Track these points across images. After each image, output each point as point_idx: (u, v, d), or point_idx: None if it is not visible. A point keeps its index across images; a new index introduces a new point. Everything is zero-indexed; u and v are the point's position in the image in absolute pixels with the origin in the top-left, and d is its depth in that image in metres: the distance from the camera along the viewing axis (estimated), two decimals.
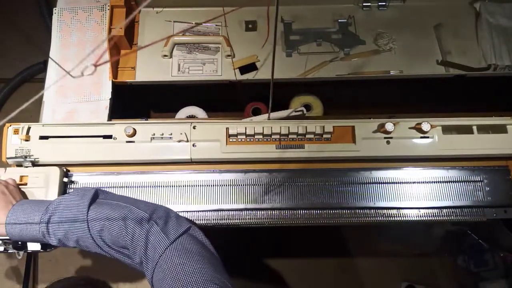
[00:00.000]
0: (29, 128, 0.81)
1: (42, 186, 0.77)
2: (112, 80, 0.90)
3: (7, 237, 0.67)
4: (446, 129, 0.82)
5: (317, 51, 0.96)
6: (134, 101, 1.05)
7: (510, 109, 0.88)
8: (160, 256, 0.58)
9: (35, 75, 1.62)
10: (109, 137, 0.81)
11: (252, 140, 0.82)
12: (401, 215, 0.81)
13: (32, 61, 1.59)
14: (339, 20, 0.98)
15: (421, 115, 0.85)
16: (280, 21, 0.98)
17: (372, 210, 0.81)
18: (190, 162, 0.82)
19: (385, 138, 0.81)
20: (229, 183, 0.81)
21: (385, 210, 0.81)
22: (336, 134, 0.81)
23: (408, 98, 1.09)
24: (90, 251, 0.65)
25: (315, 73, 0.94)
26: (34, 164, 0.80)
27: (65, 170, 0.80)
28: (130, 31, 0.96)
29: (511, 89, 0.98)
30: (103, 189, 0.71)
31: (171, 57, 0.95)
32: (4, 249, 0.74)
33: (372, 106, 1.13)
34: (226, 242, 1.38)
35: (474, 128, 0.82)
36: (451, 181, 0.82)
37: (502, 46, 0.95)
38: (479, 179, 0.82)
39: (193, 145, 0.81)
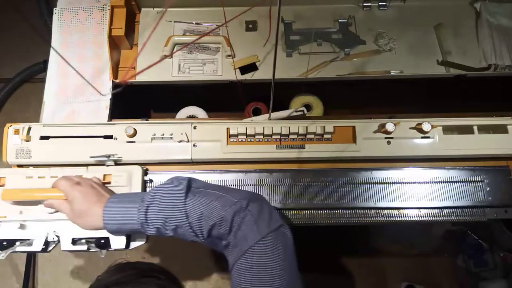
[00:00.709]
0: (29, 129, 0.81)
1: (125, 184, 0.77)
2: (112, 80, 0.90)
3: (86, 231, 0.70)
4: (447, 129, 0.82)
5: (318, 51, 0.96)
6: (135, 101, 1.05)
7: (511, 109, 0.88)
8: (248, 249, 0.58)
9: (35, 75, 1.62)
10: (110, 137, 0.81)
11: (252, 140, 0.82)
12: (402, 215, 0.81)
13: (32, 61, 1.59)
14: (340, 20, 0.98)
15: (422, 115, 0.85)
16: (281, 21, 0.98)
17: (372, 210, 0.81)
18: (191, 162, 0.82)
19: (385, 138, 0.81)
20: (229, 183, 0.81)
21: (385, 210, 0.81)
22: (336, 134, 0.81)
23: (408, 98, 1.09)
24: (185, 239, 0.65)
25: (316, 73, 0.94)
26: (116, 163, 0.80)
27: (144, 168, 0.81)
28: (131, 31, 0.96)
29: None
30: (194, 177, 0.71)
31: (171, 57, 0.95)
32: (88, 248, 0.75)
33: (373, 106, 1.13)
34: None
35: (475, 128, 0.82)
36: (452, 181, 0.82)
37: (502, 46, 0.95)
38: (479, 179, 0.82)
39: (194, 145, 0.81)
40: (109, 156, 0.79)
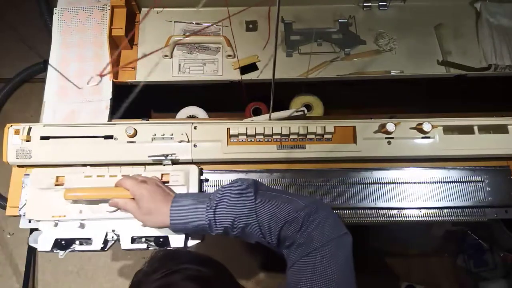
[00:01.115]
0: (29, 129, 0.81)
1: (183, 183, 0.77)
2: (112, 80, 0.90)
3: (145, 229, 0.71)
4: (447, 129, 0.82)
5: (318, 51, 0.96)
6: (135, 101, 1.05)
7: (511, 109, 0.88)
8: (313, 250, 0.59)
9: (35, 75, 1.62)
10: (110, 137, 0.81)
11: (253, 140, 0.82)
12: (402, 215, 0.81)
13: (32, 61, 1.59)
14: (340, 20, 0.99)
15: (422, 115, 0.85)
16: (281, 21, 0.98)
17: (372, 210, 0.81)
18: (191, 162, 0.82)
19: (386, 138, 0.81)
20: None
21: (385, 210, 0.81)
22: (337, 134, 0.81)
23: (408, 98, 1.09)
24: (249, 240, 0.66)
25: (316, 73, 0.94)
26: (173, 162, 0.80)
27: (200, 168, 0.81)
28: (131, 31, 0.96)
29: None
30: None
31: (171, 57, 0.95)
32: (147, 246, 0.75)
33: (373, 106, 1.13)
34: (226, 242, 1.38)
35: (475, 128, 0.82)
36: (452, 181, 0.82)
37: (502, 46, 0.95)
38: (480, 179, 0.82)
39: (194, 145, 0.81)
40: (167, 155, 0.79)
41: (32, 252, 1.44)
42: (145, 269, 0.56)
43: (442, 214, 0.81)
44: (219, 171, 0.83)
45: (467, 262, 1.44)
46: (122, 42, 0.93)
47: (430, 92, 1.09)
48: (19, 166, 0.83)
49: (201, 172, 0.81)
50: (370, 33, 0.98)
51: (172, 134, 0.81)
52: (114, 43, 0.92)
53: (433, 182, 0.82)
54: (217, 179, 0.82)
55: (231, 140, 0.82)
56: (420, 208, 0.81)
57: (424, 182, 0.82)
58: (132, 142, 0.81)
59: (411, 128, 0.82)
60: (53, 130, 0.81)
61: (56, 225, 0.75)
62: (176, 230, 0.69)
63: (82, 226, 0.75)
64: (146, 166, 0.80)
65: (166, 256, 0.59)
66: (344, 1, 1.00)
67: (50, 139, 0.81)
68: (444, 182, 0.82)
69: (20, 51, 1.66)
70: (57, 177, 0.77)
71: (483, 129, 0.82)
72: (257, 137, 0.81)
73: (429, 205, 0.81)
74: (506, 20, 0.97)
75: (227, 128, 0.81)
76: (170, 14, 1.00)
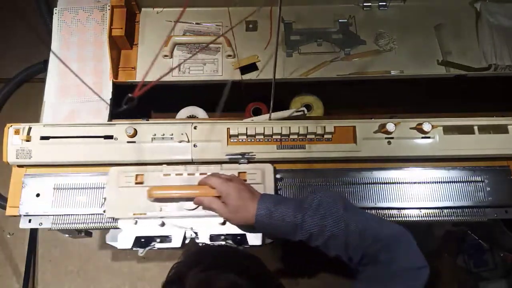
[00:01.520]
0: (29, 129, 0.81)
1: (260, 182, 0.78)
2: (112, 80, 0.90)
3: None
4: (447, 129, 0.82)
5: (318, 51, 0.96)
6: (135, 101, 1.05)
7: (511, 109, 0.88)
8: (389, 275, 0.60)
9: (35, 75, 1.62)
10: (110, 137, 0.81)
11: (253, 140, 0.82)
12: (402, 215, 0.81)
13: (32, 61, 1.59)
14: (340, 20, 0.99)
15: (422, 115, 0.85)
16: (281, 21, 0.98)
17: (372, 210, 0.81)
18: (191, 162, 0.82)
19: (386, 138, 0.81)
20: None
21: (386, 210, 0.81)
22: (337, 134, 0.81)
23: (409, 98, 1.09)
24: (328, 251, 0.66)
25: (316, 73, 0.94)
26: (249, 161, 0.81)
27: (274, 166, 0.81)
28: (131, 31, 0.96)
29: None
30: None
31: (171, 57, 0.95)
32: (225, 243, 0.76)
33: (373, 106, 1.13)
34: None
35: (475, 128, 0.82)
36: (452, 182, 0.82)
37: (502, 46, 0.95)
38: (480, 179, 0.82)
39: (194, 145, 0.81)
40: (244, 154, 0.79)
41: (32, 252, 1.44)
42: (185, 261, 0.57)
43: (442, 214, 0.81)
44: None
45: (467, 262, 1.44)
46: (122, 42, 0.93)
47: (430, 92, 1.08)
48: (19, 166, 0.83)
49: (275, 171, 0.81)
50: (370, 33, 0.98)
51: (172, 134, 0.81)
52: (114, 43, 0.92)
53: (433, 182, 0.82)
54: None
55: (231, 140, 0.82)
56: (420, 208, 0.81)
57: (424, 182, 0.82)
58: (132, 142, 0.81)
59: (411, 128, 0.82)
60: (53, 130, 0.81)
61: (136, 223, 0.77)
62: (260, 228, 0.69)
63: (161, 224, 0.76)
64: (223, 165, 0.80)
65: (204, 251, 0.59)
66: (344, 1, 1.00)
67: (50, 139, 0.81)
68: (444, 182, 0.82)
69: (20, 51, 1.66)
70: (137, 175, 0.78)
71: (483, 129, 0.82)
72: (257, 137, 0.81)
73: (429, 205, 0.81)
74: (506, 20, 0.97)
75: (227, 128, 0.81)
76: (170, 14, 1.00)
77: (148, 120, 0.85)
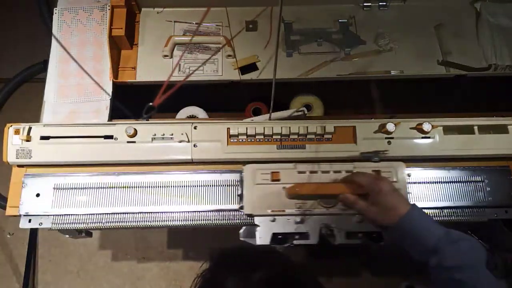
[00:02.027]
0: (30, 129, 0.81)
1: (395, 180, 0.78)
2: (112, 80, 0.90)
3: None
4: (447, 129, 0.82)
5: (318, 51, 0.96)
6: (135, 101, 1.05)
7: (511, 109, 0.88)
8: None
9: (35, 75, 1.62)
10: (110, 137, 0.81)
11: (253, 140, 0.82)
12: None
13: (32, 61, 1.59)
14: (340, 20, 0.98)
15: (422, 115, 0.85)
16: (281, 21, 0.98)
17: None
18: (191, 162, 0.82)
19: (386, 138, 0.81)
20: (230, 183, 0.81)
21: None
22: (337, 134, 0.81)
23: (409, 98, 1.09)
24: (421, 258, 0.67)
25: (316, 73, 0.94)
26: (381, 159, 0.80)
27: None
28: (131, 31, 0.96)
29: None
30: None
31: (171, 57, 0.95)
32: (360, 242, 0.77)
33: (373, 106, 1.13)
34: (225, 242, 1.38)
35: (475, 128, 0.82)
36: (452, 181, 0.82)
37: (502, 46, 0.95)
38: (480, 179, 0.82)
39: (194, 145, 0.81)
40: (377, 152, 0.79)
41: (32, 252, 1.44)
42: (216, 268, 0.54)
43: (442, 214, 0.81)
44: (218, 171, 0.83)
45: None
46: (122, 42, 0.93)
47: (430, 92, 1.08)
48: (19, 166, 0.83)
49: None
50: (370, 33, 0.98)
51: (172, 134, 0.81)
52: (114, 43, 0.92)
53: (433, 182, 0.82)
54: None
55: (231, 140, 0.82)
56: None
57: (424, 182, 0.82)
58: (132, 142, 0.81)
59: (411, 128, 0.82)
60: (53, 130, 0.81)
61: (273, 220, 0.77)
62: (399, 231, 0.68)
63: (298, 221, 0.77)
64: (355, 163, 0.80)
65: (234, 255, 0.56)
66: (344, 1, 1.00)
67: (50, 139, 0.81)
68: (444, 182, 0.82)
69: (20, 51, 1.66)
70: (272, 172, 0.79)
71: (483, 129, 0.82)
72: (257, 137, 0.81)
73: (429, 205, 0.81)
74: (506, 20, 0.97)
75: (227, 128, 0.81)
76: (170, 14, 1.00)
77: (148, 120, 0.85)
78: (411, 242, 0.67)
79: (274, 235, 0.77)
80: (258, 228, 0.78)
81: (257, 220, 0.78)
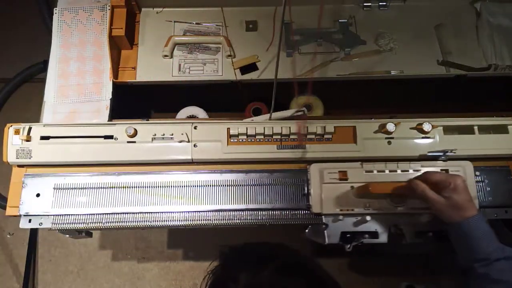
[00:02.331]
0: (30, 129, 0.81)
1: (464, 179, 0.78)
2: (112, 80, 0.90)
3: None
4: (447, 129, 0.82)
5: (318, 51, 0.96)
6: (135, 101, 1.05)
7: (511, 109, 0.88)
8: None
9: (35, 75, 1.62)
10: (110, 137, 0.81)
11: (253, 140, 0.82)
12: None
13: (32, 61, 1.59)
14: (340, 20, 0.98)
15: (422, 115, 0.85)
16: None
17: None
18: (191, 162, 0.82)
19: (386, 138, 0.81)
20: (230, 184, 0.81)
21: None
22: (337, 134, 0.81)
23: (409, 98, 1.09)
24: (465, 262, 0.69)
25: (316, 73, 0.94)
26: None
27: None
28: (131, 31, 0.96)
29: None
30: None
31: (171, 57, 0.95)
32: (426, 240, 0.78)
33: (373, 106, 1.13)
34: (224, 242, 1.38)
35: (475, 128, 0.82)
36: None
37: (502, 46, 0.95)
38: (480, 179, 0.82)
39: (194, 145, 0.81)
40: (445, 151, 0.79)
41: (32, 252, 1.44)
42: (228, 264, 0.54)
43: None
44: (218, 171, 0.83)
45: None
46: (122, 42, 0.93)
47: (430, 92, 1.08)
48: (19, 166, 0.83)
49: None
50: (370, 33, 0.98)
51: (172, 134, 0.81)
52: (114, 43, 0.92)
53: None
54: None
55: (231, 140, 0.82)
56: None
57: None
58: (132, 142, 0.81)
59: (411, 128, 0.82)
60: (53, 130, 0.82)
61: (341, 219, 0.78)
62: (460, 231, 0.69)
63: (365, 220, 0.77)
64: (422, 162, 0.80)
65: (246, 251, 0.57)
66: (344, 1, 1.00)
67: (50, 139, 0.81)
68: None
69: (20, 51, 1.66)
70: (340, 171, 0.79)
71: (483, 129, 0.82)
72: (257, 137, 0.81)
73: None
74: (506, 20, 0.97)
75: (227, 128, 0.81)
76: (170, 14, 1.00)
77: (148, 120, 0.85)
78: (464, 245, 0.69)
79: (343, 234, 0.78)
80: (326, 227, 0.79)
81: (325, 219, 0.79)
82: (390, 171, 0.79)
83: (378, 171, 0.79)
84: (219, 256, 0.55)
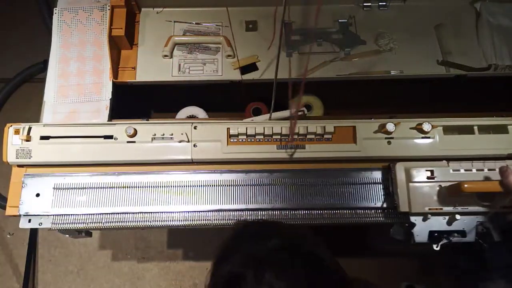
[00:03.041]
0: (30, 128, 0.81)
1: None
2: (112, 80, 0.90)
3: None
4: (447, 129, 0.82)
5: (318, 51, 0.96)
6: (135, 101, 1.05)
7: (511, 109, 0.88)
8: None
9: (35, 75, 1.62)
10: (110, 137, 0.81)
11: (253, 140, 0.82)
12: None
13: (32, 61, 1.59)
14: (340, 20, 0.98)
15: (422, 115, 0.85)
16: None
17: (372, 210, 0.81)
18: (191, 162, 0.82)
19: (386, 138, 0.81)
20: (230, 183, 0.81)
21: (385, 210, 0.81)
22: (337, 134, 0.81)
23: (408, 98, 1.09)
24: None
25: (316, 73, 0.94)
26: None
27: None
28: (131, 31, 0.96)
29: None
30: None
31: (171, 57, 0.95)
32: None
33: (373, 106, 1.13)
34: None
35: (475, 128, 0.82)
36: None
37: (502, 46, 0.95)
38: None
39: (194, 145, 0.81)
40: None
41: (32, 252, 1.44)
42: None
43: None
44: (218, 171, 0.83)
45: (467, 262, 1.44)
46: (122, 42, 0.93)
47: (430, 92, 1.08)
48: (19, 166, 0.83)
49: None
50: (370, 33, 0.98)
51: (172, 134, 0.81)
52: (114, 43, 0.92)
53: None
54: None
55: (231, 140, 0.82)
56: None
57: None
58: (132, 142, 0.81)
59: (411, 128, 0.82)
60: (53, 130, 0.82)
61: (429, 218, 0.78)
62: None
63: (455, 219, 0.77)
64: (507, 160, 0.80)
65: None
66: (344, 1, 1.00)
67: (50, 139, 0.81)
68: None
69: (20, 51, 1.66)
70: (426, 171, 0.79)
71: (483, 129, 0.82)
72: (257, 137, 0.81)
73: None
74: (506, 20, 0.97)
75: (227, 128, 0.81)
76: (170, 14, 1.00)
77: (148, 120, 0.85)
78: None
79: (431, 233, 0.79)
80: (413, 226, 0.79)
81: (412, 218, 0.79)
82: (477, 170, 0.79)
83: (465, 170, 0.79)
84: (233, 229, 0.59)
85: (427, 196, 0.77)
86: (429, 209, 0.77)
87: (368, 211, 0.81)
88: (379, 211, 0.81)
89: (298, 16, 0.99)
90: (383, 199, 0.81)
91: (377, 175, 0.82)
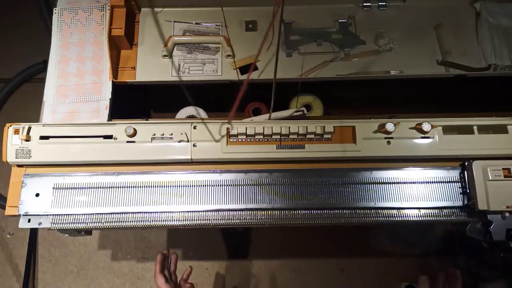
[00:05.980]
0: (29, 128, 0.81)
1: None
2: (112, 80, 0.90)
3: None
4: (447, 129, 0.82)
5: (317, 51, 0.96)
6: (135, 101, 1.05)
7: (511, 109, 0.88)
8: None
9: (35, 75, 1.62)
10: (110, 137, 0.81)
11: (252, 140, 0.82)
12: (402, 215, 0.81)
13: (32, 61, 1.59)
14: (339, 20, 0.98)
15: (422, 115, 0.85)
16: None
17: (372, 210, 0.81)
18: (191, 162, 0.82)
19: (385, 138, 0.81)
20: (229, 183, 0.81)
21: (385, 210, 0.81)
22: (336, 134, 0.81)
23: (408, 98, 1.09)
24: None
25: (316, 73, 0.94)
26: None
27: None
28: (130, 31, 0.96)
29: None
30: None
31: (171, 57, 0.95)
32: None
33: (373, 106, 1.13)
34: (224, 241, 1.38)
35: (475, 128, 0.82)
36: (452, 181, 0.82)
37: (502, 46, 0.95)
38: None
39: (194, 145, 0.81)
40: None
41: (32, 252, 1.44)
42: None
43: (441, 214, 0.81)
44: (218, 171, 0.83)
45: (467, 262, 1.44)
46: (122, 42, 0.93)
47: (429, 92, 1.08)
48: (18, 165, 0.83)
49: None
50: (369, 33, 0.98)
51: (171, 134, 0.81)
52: (114, 43, 0.92)
53: (432, 182, 0.82)
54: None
55: (231, 140, 0.82)
56: (419, 208, 0.81)
57: (424, 182, 0.82)
58: (131, 142, 0.81)
59: (410, 128, 0.82)
60: (53, 130, 0.82)
61: (507, 216, 0.78)
62: None
63: None
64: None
65: None
66: (344, 1, 1.00)
67: (50, 139, 0.81)
68: (443, 182, 0.82)
69: (20, 51, 1.66)
70: (503, 169, 0.79)
71: (483, 129, 0.82)
72: (256, 137, 0.81)
73: (428, 205, 0.81)
74: (506, 20, 0.97)
75: (227, 128, 0.81)
76: (170, 14, 1.00)
77: (147, 120, 0.85)
78: None
79: (508, 231, 0.79)
80: (491, 225, 0.79)
81: (490, 216, 0.79)
82: None
83: None
84: None
85: (506, 194, 0.78)
86: (507, 207, 0.78)
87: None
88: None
89: (298, 16, 0.99)
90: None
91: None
